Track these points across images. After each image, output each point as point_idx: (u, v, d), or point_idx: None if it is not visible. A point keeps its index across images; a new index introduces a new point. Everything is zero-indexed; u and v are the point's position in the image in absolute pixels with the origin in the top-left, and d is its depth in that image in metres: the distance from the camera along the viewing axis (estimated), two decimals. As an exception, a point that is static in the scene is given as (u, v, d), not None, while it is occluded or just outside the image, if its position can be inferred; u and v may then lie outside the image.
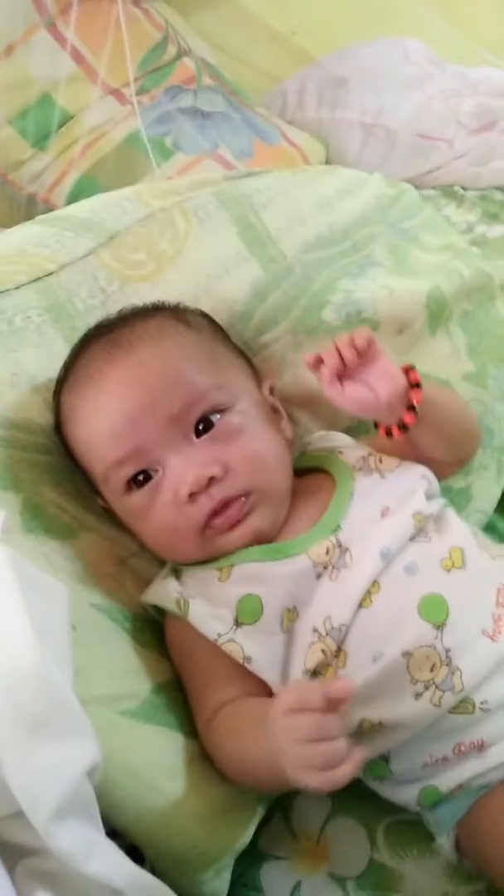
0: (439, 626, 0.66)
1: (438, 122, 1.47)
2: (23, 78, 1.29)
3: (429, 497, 0.75)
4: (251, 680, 0.69)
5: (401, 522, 0.71)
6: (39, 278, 0.79)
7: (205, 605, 0.70)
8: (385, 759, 0.68)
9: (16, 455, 0.73)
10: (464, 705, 0.65)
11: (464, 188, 1.45)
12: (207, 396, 0.71)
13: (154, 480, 0.71)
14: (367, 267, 0.93)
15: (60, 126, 1.32)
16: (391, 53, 1.54)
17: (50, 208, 1.29)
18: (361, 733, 0.66)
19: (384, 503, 0.73)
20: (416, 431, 0.72)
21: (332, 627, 0.67)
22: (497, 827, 0.65)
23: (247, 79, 1.55)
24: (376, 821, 0.73)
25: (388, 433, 0.73)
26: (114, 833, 0.60)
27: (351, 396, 0.70)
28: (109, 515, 0.76)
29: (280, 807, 0.75)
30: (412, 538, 0.71)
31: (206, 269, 0.85)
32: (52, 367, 0.76)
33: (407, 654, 0.65)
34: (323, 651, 0.67)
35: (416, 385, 0.71)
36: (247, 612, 0.69)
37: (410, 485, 0.74)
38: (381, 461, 0.77)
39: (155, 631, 0.75)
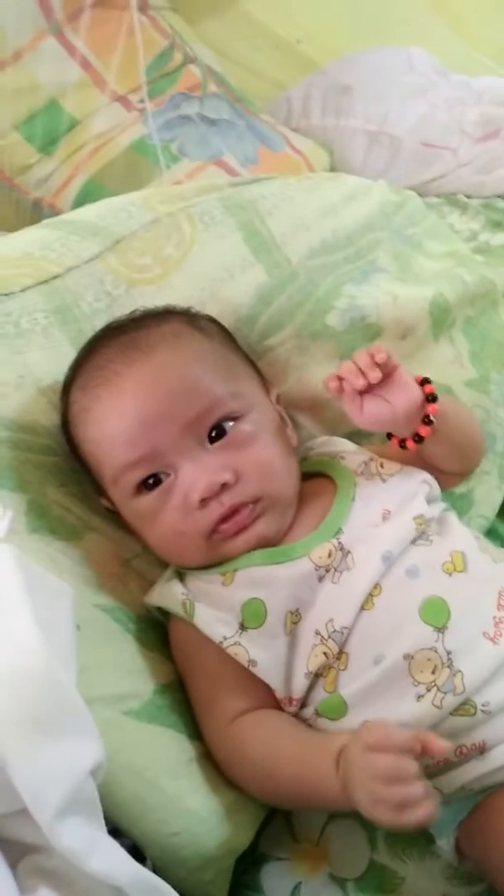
0: (440, 629, 0.66)
1: (442, 130, 1.48)
2: (30, 84, 1.30)
3: (430, 501, 0.75)
4: (255, 683, 0.69)
5: (402, 526, 0.71)
6: (45, 281, 0.80)
7: (209, 608, 0.71)
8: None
9: (21, 456, 0.73)
10: (465, 707, 0.65)
11: (467, 196, 1.45)
12: (223, 404, 0.72)
13: (165, 484, 0.71)
14: (372, 273, 0.93)
15: (67, 132, 1.33)
16: (396, 62, 1.55)
17: (56, 213, 1.30)
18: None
19: (385, 507, 0.73)
20: (428, 443, 0.73)
21: (334, 630, 0.68)
22: (498, 829, 0.65)
23: (252, 86, 1.56)
24: (376, 822, 0.73)
25: (402, 445, 0.74)
26: (115, 832, 0.61)
27: (369, 412, 0.71)
28: (113, 516, 0.77)
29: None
30: (413, 541, 0.71)
31: (212, 273, 0.86)
32: (58, 369, 0.77)
33: (408, 657, 0.66)
34: (325, 653, 0.68)
35: (431, 397, 0.72)
36: (251, 616, 0.69)
37: (411, 489, 0.75)
38: (382, 466, 0.77)
39: (158, 632, 0.75)
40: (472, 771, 0.66)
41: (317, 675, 0.68)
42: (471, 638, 0.67)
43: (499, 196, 1.45)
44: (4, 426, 0.73)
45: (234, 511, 0.70)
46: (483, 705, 0.65)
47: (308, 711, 0.69)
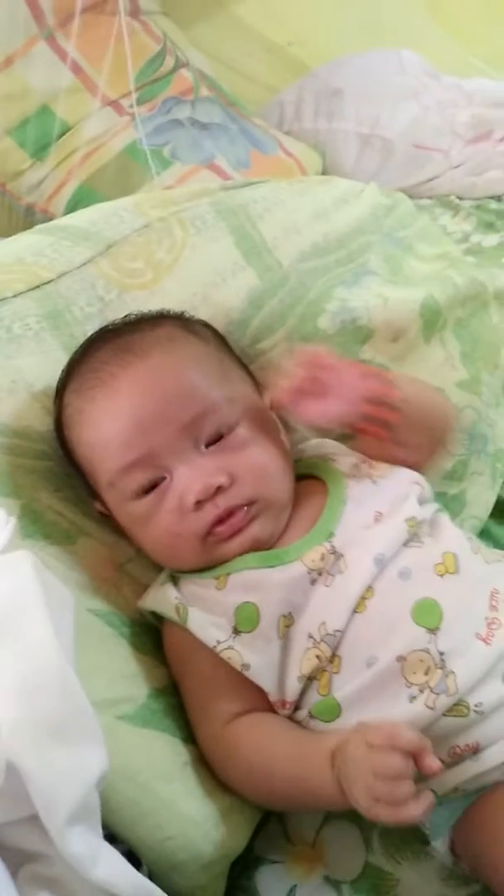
0: (433, 631, 0.66)
1: (434, 132, 1.48)
2: (22, 89, 1.31)
3: (421, 503, 0.75)
4: (249, 687, 0.69)
5: (394, 528, 0.71)
6: (38, 286, 0.80)
7: (203, 612, 0.71)
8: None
9: (14, 461, 0.74)
10: (458, 708, 0.65)
11: (459, 198, 1.46)
12: (218, 408, 0.72)
13: (160, 487, 0.71)
14: (362, 276, 0.94)
15: (59, 137, 1.33)
16: (387, 64, 1.56)
17: (48, 218, 1.30)
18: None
19: (377, 509, 0.73)
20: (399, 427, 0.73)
21: (327, 633, 0.68)
22: (493, 829, 0.65)
23: (244, 90, 1.56)
24: (371, 824, 0.73)
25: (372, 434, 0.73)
26: (111, 838, 0.61)
27: (315, 410, 0.71)
28: (107, 520, 0.77)
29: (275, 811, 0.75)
30: (406, 543, 0.71)
31: (204, 277, 0.86)
32: (50, 374, 0.77)
33: (401, 659, 0.66)
34: (318, 657, 0.68)
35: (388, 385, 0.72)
36: (244, 620, 0.70)
37: (403, 490, 0.75)
38: (372, 467, 0.78)
39: (152, 636, 0.75)
40: (466, 771, 0.66)
41: (310, 679, 0.69)
42: (463, 639, 0.67)
43: (490, 197, 1.46)
44: (-2, 431, 0.73)
45: (228, 513, 0.71)
46: (476, 706, 0.65)
47: (301, 714, 0.69)
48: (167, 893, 0.55)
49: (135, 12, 1.42)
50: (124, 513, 0.73)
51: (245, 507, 0.71)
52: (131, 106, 1.33)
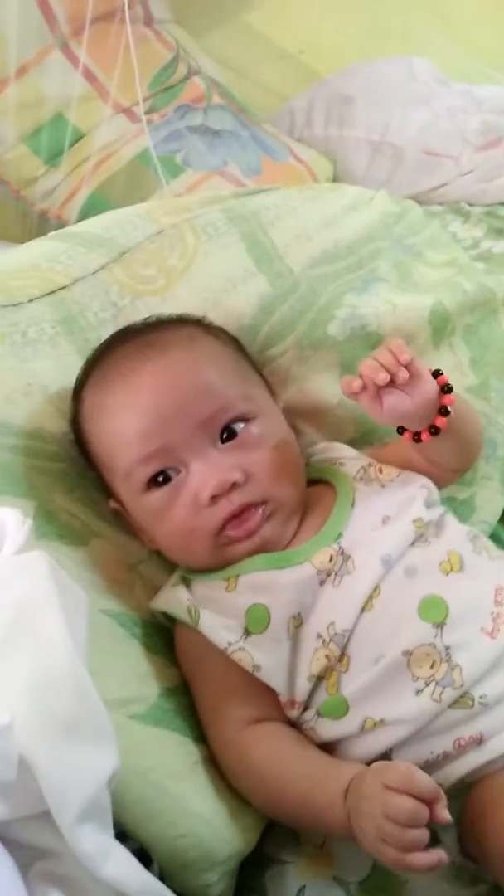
0: (439, 625, 0.67)
1: (445, 139, 1.49)
2: (36, 97, 1.32)
3: (428, 505, 0.76)
4: (260, 688, 0.70)
5: (401, 529, 0.72)
6: (52, 292, 0.81)
7: (215, 614, 0.72)
8: (387, 757, 0.68)
9: (29, 463, 0.75)
10: (463, 700, 0.66)
11: (470, 204, 1.46)
12: (235, 405, 0.73)
13: (175, 481, 0.72)
14: (372, 282, 0.94)
15: (72, 144, 1.35)
16: (397, 72, 1.56)
17: (62, 224, 1.32)
18: (364, 732, 0.67)
19: (384, 512, 0.74)
20: (438, 437, 0.72)
21: (336, 633, 0.69)
22: (493, 818, 0.65)
23: (255, 97, 1.57)
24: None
25: (416, 438, 0.73)
26: (121, 836, 0.61)
27: (390, 407, 0.70)
28: (120, 520, 0.78)
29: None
30: (412, 544, 0.72)
31: (215, 284, 0.87)
32: (64, 377, 0.78)
33: (407, 653, 0.67)
34: (327, 656, 0.69)
35: (446, 388, 0.71)
36: (255, 622, 0.70)
37: (410, 494, 0.76)
38: (381, 471, 0.78)
39: (163, 637, 0.76)
40: (470, 762, 0.66)
41: (319, 678, 0.69)
42: (469, 634, 0.67)
43: (501, 204, 1.46)
44: (13, 433, 0.74)
45: (242, 510, 0.71)
46: (480, 697, 0.66)
47: (310, 713, 0.70)
48: (177, 892, 0.56)
49: (148, 21, 1.43)
50: (139, 507, 0.74)
51: (260, 508, 0.72)
52: (145, 112, 1.35)
